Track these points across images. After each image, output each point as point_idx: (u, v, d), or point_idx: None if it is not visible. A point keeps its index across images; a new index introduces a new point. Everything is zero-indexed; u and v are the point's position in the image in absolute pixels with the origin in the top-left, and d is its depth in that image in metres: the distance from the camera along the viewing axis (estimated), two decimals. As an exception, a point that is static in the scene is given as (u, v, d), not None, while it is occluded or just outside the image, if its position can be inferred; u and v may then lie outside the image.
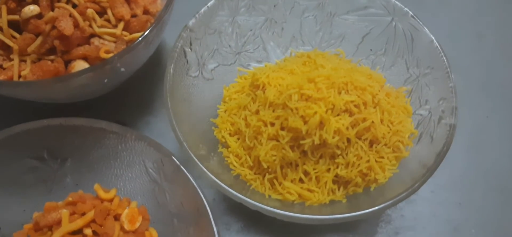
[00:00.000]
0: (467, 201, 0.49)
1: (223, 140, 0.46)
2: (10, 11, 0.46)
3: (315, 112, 0.41)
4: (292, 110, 0.42)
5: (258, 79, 0.45)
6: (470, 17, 0.65)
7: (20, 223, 0.40)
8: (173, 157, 0.39)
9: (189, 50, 0.45)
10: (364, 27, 0.51)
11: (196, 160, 0.39)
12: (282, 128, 0.43)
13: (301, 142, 0.41)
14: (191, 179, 0.38)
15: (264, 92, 0.44)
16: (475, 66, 0.60)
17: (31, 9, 0.45)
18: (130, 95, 0.55)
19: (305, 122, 0.41)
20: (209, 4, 0.47)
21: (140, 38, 0.44)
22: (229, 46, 0.50)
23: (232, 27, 0.50)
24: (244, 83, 0.50)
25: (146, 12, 0.51)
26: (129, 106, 0.55)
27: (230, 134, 0.46)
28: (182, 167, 0.38)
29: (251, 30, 0.51)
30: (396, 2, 0.48)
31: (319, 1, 0.51)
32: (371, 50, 0.51)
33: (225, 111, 0.48)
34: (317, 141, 0.41)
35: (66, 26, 0.45)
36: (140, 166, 0.42)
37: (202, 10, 0.46)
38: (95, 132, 0.41)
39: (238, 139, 0.46)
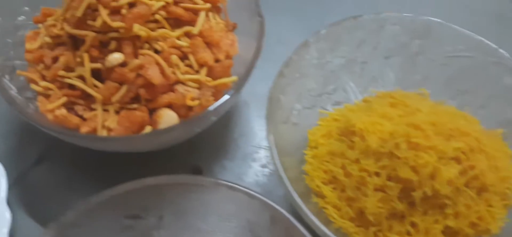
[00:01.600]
0: None
1: (318, 189, 0.44)
2: (92, 60, 0.44)
3: (427, 162, 0.39)
4: (399, 159, 0.40)
5: (354, 125, 0.44)
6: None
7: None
8: (285, 213, 0.37)
9: (282, 96, 0.44)
10: (450, 66, 0.49)
11: (307, 212, 0.38)
12: (389, 179, 0.41)
13: (413, 194, 0.40)
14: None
15: (363, 140, 0.43)
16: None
17: (116, 57, 0.43)
18: (202, 138, 0.53)
19: (416, 172, 0.39)
20: (298, 50, 0.45)
21: (237, 87, 0.42)
22: (312, 88, 0.49)
23: (315, 70, 0.48)
24: (329, 126, 0.48)
25: (226, 56, 0.49)
26: (202, 150, 0.53)
27: (323, 183, 0.44)
28: (298, 224, 0.36)
29: (332, 71, 0.49)
30: (488, 42, 0.47)
31: (404, 41, 0.49)
32: (458, 90, 0.49)
33: (314, 157, 0.46)
34: (429, 193, 0.39)
35: (154, 75, 0.43)
36: (240, 221, 0.40)
37: (293, 55, 0.44)
38: (194, 188, 0.39)
39: (334, 188, 0.44)
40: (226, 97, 0.42)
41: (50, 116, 0.43)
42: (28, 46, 0.46)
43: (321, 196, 0.44)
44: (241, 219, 0.40)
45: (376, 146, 0.41)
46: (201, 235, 0.41)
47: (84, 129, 0.43)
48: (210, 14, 0.49)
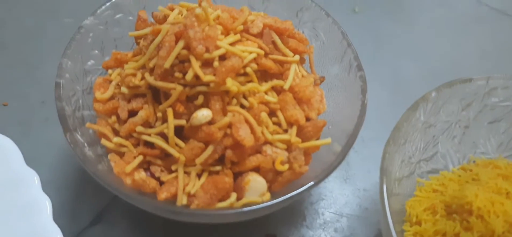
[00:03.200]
0: None
1: (426, 275, 0.40)
2: (175, 116, 0.40)
3: None
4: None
5: (470, 203, 0.40)
6: None
7: None
8: None
9: (391, 166, 0.40)
10: None
11: None
12: (518, 270, 0.36)
13: None
14: None
15: (482, 220, 0.39)
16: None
17: (205, 114, 0.39)
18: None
19: (553, 265, 0.35)
20: (407, 114, 0.41)
21: (342, 154, 0.38)
22: (413, 155, 0.45)
23: (419, 134, 0.44)
24: (430, 198, 0.44)
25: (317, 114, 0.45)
26: (277, 215, 0.49)
27: (433, 267, 0.40)
28: None
29: (433, 136, 0.46)
30: None
31: (512, 105, 0.46)
32: None
33: (416, 235, 0.42)
34: None
35: (246, 135, 0.39)
36: None
37: (404, 120, 0.41)
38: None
39: (446, 274, 0.39)
40: (331, 168, 0.38)
41: (128, 180, 0.39)
42: (98, 95, 0.43)
43: (430, 282, 0.40)
44: None
45: (503, 231, 0.37)
46: None
47: (163, 194, 0.39)
48: (296, 66, 0.46)
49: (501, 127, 0.47)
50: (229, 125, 0.40)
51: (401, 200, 0.44)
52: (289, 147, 0.43)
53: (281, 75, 0.45)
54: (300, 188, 0.38)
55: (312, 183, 0.37)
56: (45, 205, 0.43)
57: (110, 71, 0.45)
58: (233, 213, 0.37)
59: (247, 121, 0.41)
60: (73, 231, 0.46)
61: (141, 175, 0.39)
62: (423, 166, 0.47)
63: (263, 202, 0.37)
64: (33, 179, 0.44)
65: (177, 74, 0.39)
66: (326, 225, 0.49)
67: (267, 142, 0.42)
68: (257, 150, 0.42)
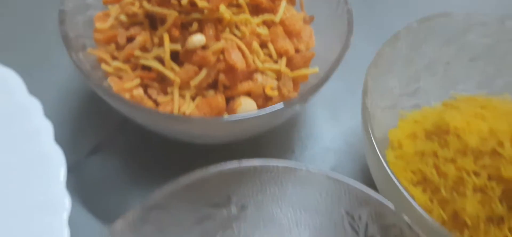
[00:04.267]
0: None
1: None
2: (171, 40, 0.44)
3: (533, 162, 0.39)
4: (503, 157, 0.39)
5: (447, 124, 0.43)
6: None
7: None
8: (389, 205, 0.36)
9: (369, 93, 0.43)
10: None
11: (418, 208, 0.36)
12: (489, 179, 0.40)
13: (518, 195, 0.39)
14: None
15: (458, 139, 0.42)
16: None
17: (199, 39, 0.43)
18: (267, 136, 0.53)
19: (521, 173, 0.39)
20: (389, 42, 0.45)
21: (325, 77, 0.42)
22: (395, 87, 0.48)
23: (401, 67, 0.48)
24: (412, 127, 0.47)
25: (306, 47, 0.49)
26: (267, 148, 0.53)
27: (412, 184, 0.44)
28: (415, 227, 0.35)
29: (416, 70, 0.49)
30: None
31: (490, 43, 0.49)
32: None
33: (398, 157, 0.46)
34: (535, 195, 0.39)
35: (238, 59, 0.43)
36: (336, 215, 0.39)
37: (386, 47, 0.44)
38: (281, 174, 0.39)
39: (424, 190, 0.43)
40: (315, 87, 0.42)
41: (127, 96, 0.42)
42: (99, 25, 0.46)
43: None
44: (337, 213, 0.39)
45: (476, 145, 0.41)
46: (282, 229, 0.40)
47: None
48: (286, 4, 0.49)
49: (480, 64, 0.51)
50: (222, 51, 0.44)
51: (383, 130, 0.48)
52: (278, 76, 0.46)
53: (272, 11, 0.48)
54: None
55: (297, 99, 0.41)
56: (48, 129, 0.47)
57: (110, 6, 0.49)
58: (226, 122, 0.40)
59: (239, 48, 0.44)
60: (72, 160, 0.49)
61: (140, 91, 0.43)
62: (405, 100, 0.50)
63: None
64: (36, 107, 0.48)
65: (173, 1, 0.43)
66: (314, 157, 0.52)
67: (258, 70, 0.46)
68: (249, 78, 0.45)
